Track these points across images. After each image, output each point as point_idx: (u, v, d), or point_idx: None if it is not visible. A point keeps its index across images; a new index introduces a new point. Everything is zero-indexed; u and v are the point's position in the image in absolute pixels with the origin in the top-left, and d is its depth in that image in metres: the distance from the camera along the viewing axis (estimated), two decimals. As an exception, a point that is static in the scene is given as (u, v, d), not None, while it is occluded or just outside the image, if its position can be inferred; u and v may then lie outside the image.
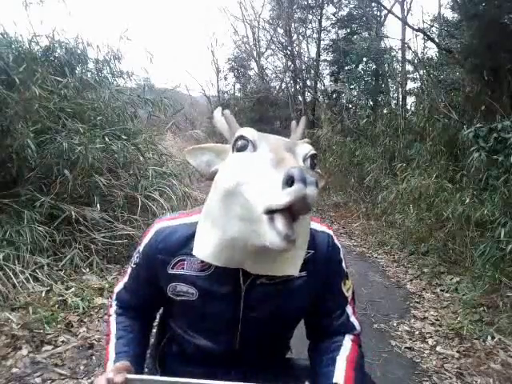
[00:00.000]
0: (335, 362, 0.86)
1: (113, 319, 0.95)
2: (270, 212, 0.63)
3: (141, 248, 0.92)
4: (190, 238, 0.85)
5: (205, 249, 0.81)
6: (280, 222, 0.62)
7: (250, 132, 0.78)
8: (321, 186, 0.91)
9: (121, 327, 0.93)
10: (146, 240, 0.91)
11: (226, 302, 0.86)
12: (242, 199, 0.70)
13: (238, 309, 0.87)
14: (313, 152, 0.79)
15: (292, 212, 0.63)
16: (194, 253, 0.83)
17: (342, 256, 0.94)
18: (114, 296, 0.99)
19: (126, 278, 0.97)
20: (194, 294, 0.86)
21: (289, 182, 0.60)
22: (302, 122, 0.96)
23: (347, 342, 0.91)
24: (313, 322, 0.98)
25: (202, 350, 0.93)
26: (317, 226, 0.92)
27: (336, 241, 0.94)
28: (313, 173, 0.65)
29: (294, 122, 0.96)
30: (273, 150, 0.72)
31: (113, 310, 0.98)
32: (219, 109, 0.95)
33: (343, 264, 0.94)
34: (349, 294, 0.95)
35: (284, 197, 0.60)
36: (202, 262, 0.84)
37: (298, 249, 0.82)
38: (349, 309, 0.95)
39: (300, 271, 0.84)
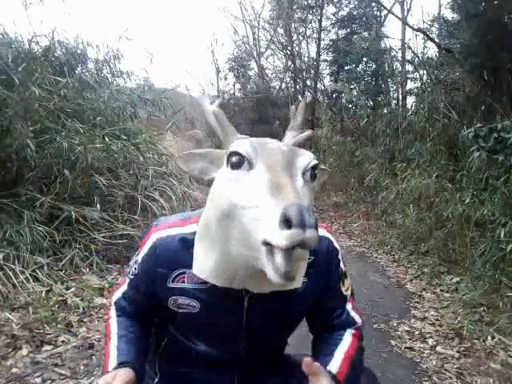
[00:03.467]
0: (333, 353, 0.88)
1: (113, 320, 0.94)
2: (269, 244, 0.59)
3: (139, 258, 0.90)
4: (189, 249, 0.84)
5: (205, 268, 0.80)
6: (279, 257, 0.58)
7: (244, 147, 0.71)
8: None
9: (122, 327, 0.93)
10: (144, 251, 0.89)
11: (230, 313, 0.86)
12: (238, 224, 0.66)
13: (241, 319, 0.87)
14: (314, 163, 0.74)
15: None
16: (194, 271, 0.82)
17: (340, 257, 0.95)
18: (113, 303, 0.98)
19: (124, 287, 0.95)
20: (195, 307, 0.85)
21: (287, 223, 0.56)
22: (302, 105, 0.89)
23: (347, 336, 0.93)
24: (315, 321, 1.00)
25: (207, 355, 0.93)
26: None
27: (335, 244, 0.95)
28: (313, 211, 0.61)
29: (293, 108, 0.90)
30: (270, 170, 0.66)
31: (112, 312, 0.97)
32: (207, 100, 0.86)
33: (341, 264, 0.96)
34: (348, 293, 0.96)
35: (281, 239, 0.56)
36: None
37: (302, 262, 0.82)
38: (348, 305, 0.96)
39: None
